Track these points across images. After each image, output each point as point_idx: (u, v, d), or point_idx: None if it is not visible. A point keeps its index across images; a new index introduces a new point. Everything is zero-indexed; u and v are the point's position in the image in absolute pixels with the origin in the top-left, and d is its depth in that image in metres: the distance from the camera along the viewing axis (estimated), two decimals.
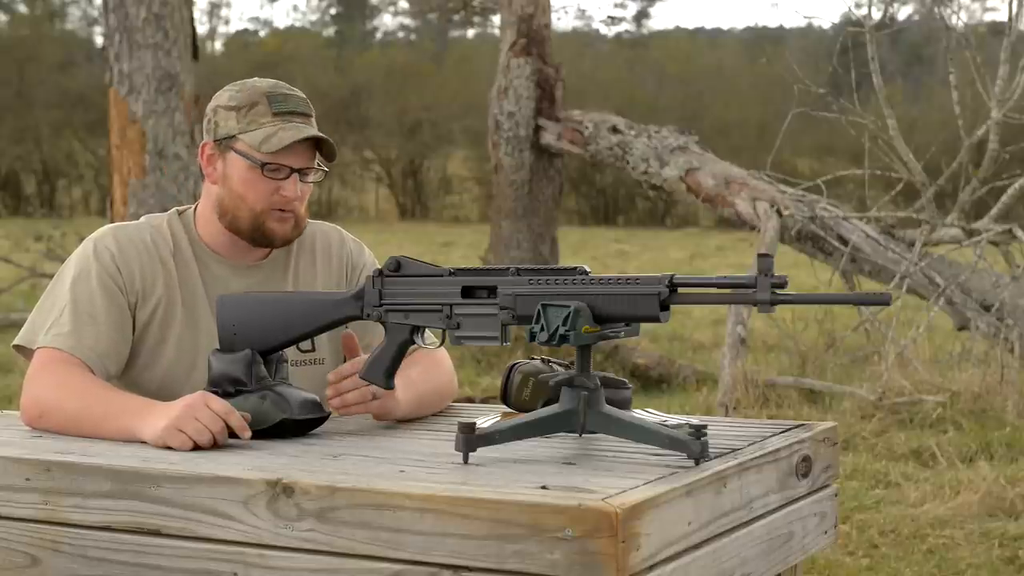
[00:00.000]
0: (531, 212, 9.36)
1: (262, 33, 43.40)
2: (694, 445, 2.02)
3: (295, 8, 78.63)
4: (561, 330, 2.05)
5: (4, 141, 28.19)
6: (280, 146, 2.47)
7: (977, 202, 7.91)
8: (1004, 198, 7.62)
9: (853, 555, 4.57)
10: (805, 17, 43.26)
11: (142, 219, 2.62)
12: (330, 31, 42.58)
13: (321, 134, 2.52)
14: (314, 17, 47.52)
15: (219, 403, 2.24)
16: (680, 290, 2.07)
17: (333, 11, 44.07)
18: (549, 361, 2.47)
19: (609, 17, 60.37)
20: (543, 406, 2.28)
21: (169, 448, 2.21)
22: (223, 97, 2.54)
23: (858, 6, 17.07)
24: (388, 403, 2.43)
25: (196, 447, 2.20)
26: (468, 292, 2.23)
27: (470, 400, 6.53)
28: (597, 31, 44.36)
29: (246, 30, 45.11)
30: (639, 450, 2.12)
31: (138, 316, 2.52)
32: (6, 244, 13.11)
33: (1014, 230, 7.49)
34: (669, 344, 9.65)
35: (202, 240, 2.59)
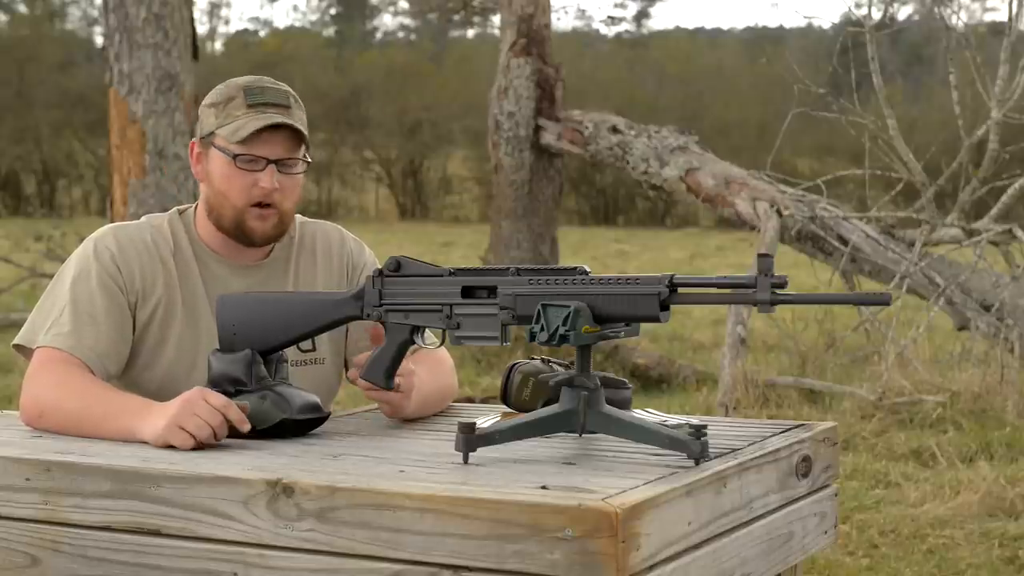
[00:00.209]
0: (531, 212, 9.36)
1: (262, 33, 43.44)
2: (694, 445, 2.02)
3: (295, 8, 78.68)
4: (561, 330, 2.05)
5: (4, 141, 28.20)
6: (246, 134, 2.46)
7: (977, 202, 7.91)
8: (1004, 198, 7.62)
9: (853, 555, 4.57)
10: (805, 17, 43.30)
11: (143, 219, 2.62)
12: (330, 31, 42.60)
13: (288, 121, 2.48)
14: (314, 17, 47.57)
15: (216, 397, 2.24)
16: (680, 290, 2.07)
17: (333, 11, 44.08)
18: (549, 361, 2.47)
19: (609, 17, 60.38)
20: (543, 406, 2.28)
21: (171, 447, 2.22)
22: (208, 96, 2.55)
23: (858, 6, 17.07)
24: (399, 402, 2.44)
25: (198, 444, 2.20)
26: (468, 292, 2.22)
27: (470, 400, 6.53)
28: (597, 31, 44.39)
29: (246, 30, 45.17)
30: (639, 450, 2.12)
31: (138, 316, 2.52)
32: (6, 244, 13.10)
33: (1014, 230, 7.49)
34: (669, 344, 9.65)
35: (202, 240, 2.59)
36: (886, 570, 4.43)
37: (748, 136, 22.92)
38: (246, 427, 2.24)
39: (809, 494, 2.30)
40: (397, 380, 2.40)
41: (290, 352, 2.44)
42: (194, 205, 2.64)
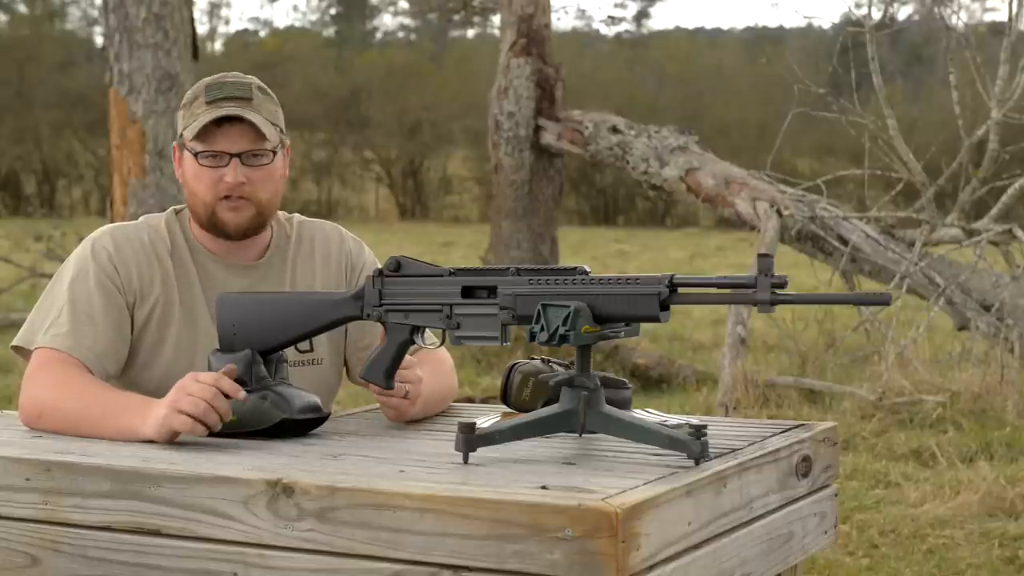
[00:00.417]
0: (531, 212, 9.36)
1: (262, 33, 43.44)
2: (694, 445, 2.02)
3: (295, 8, 78.68)
4: (561, 330, 2.05)
5: (4, 141, 28.20)
6: (195, 131, 2.46)
7: (977, 202, 7.91)
8: (1004, 198, 7.63)
9: (853, 555, 4.57)
10: (805, 17, 43.29)
11: (140, 219, 2.62)
12: (330, 31, 42.59)
13: (239, 112, 2.46)
14: (314, 17, 47.57)
15: (206, 374, 2.25)
16: (680, 290, 2.07)
17: (333, 11, 44.07)
18: (549, 361, 2.47)
19: (609, 17, 60.35)
20: (543, 406, 2.28)
21: (176, 436, 2.22)
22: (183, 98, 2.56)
23: (858, 6, 17.08)
24: (406, 408, 2.44)
25: (201, 425, 2.20)
26: (468, 292, 2.22)
27: (470, 400, 6.53)
28: (597, 31, 44.40)
29: (246, 30, 45.17)
30: (639, 450, 2.12)
31: (136, 316, 2.52)
32: (6, 244, 13.10)
33: (1014, 230, 7.49)
34: (669, 344, 9.65)
35: (197, 240, 2.59)
36: (886, 570, 4.43)
37: (748, 136, 22.93)
38: (241, 395, 2.24)
39: (809, 494, 2.30)
40: (406, 387, 2.40)
41: (288, 353, 2.44)
42: None
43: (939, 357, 7.48)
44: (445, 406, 2.64)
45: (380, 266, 2.33)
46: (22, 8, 33.02)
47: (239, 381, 2.29)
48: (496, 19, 11.38)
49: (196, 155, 2.49)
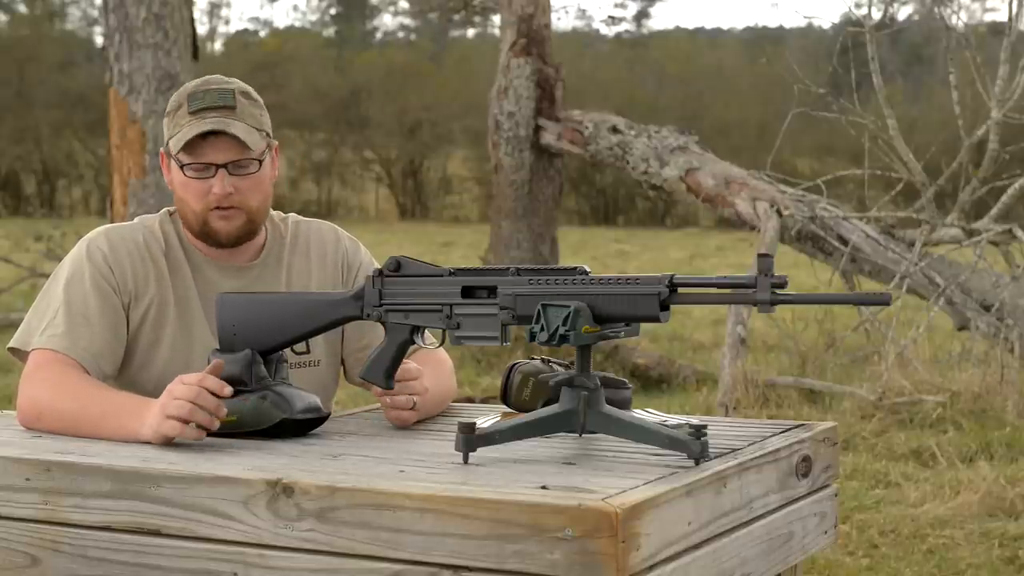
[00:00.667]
0: (531, 212, 9.36)
1: (262, 33, 43.44)
2: (694, 445, 2.02)
3: (295, 8, 78.68)
4: (561, 330, 2.05)
5: (4, 141, 28.20)
6: (180, 145, 2.46)
7: (977, 202, 7.91)
8: (1004, 198, 7.63)
9: (853, 555, 4.57)
10: (805, 17, 43.24)
11: (135, 220, 2.62)
12: (330, 31, 42.59)
13: (221, 128, 2.45)
14: (314, 17, 47.57)
15: (191, 375, 2.25)
16: (680, 290, 2.07)
17: (333, 11, 44.07)
18: (549, 361, 2.47)
19: (609, 17, 60.42)
20: (543, 406, 2.28)
21: (170, 440, 2.22)
22: (168, 104, 2.56)
23: (858, 6, 17.07)
24: (408, 417, 2.44)
25: (191, 425, 2.20)
26: (468, 292, 2.22)
27: (470, 400, 6.53)
28: (597, 31, 44.41)
29: (246, 30, 45.18)
30: (639, 450, 2.12)
31: (132, 316, 2.52)
32: (6, 244, 13.10)
33: (1014, 230, 7.49)
34: (669, 344, 9.65)
35: (191, 241, 2.59)
36: (886, 570, 4.43)
37: (748, 136, 22.93)
38: (227, 391, 2.24)
39: (809, 494, 2.30)
40: (414, 399, 2.40)
41: (285, 354, 2.43)
42: None
43: (939, 357, 7.48)
44: (444, 407, 2.63)
45: (378, 266, 2.34)
46: (22, 8, 33.05)
47: (238, 381, 2.29)
48: (496, 19, 11.38)
49: (183, 167, 2.49)
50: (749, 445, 2.21)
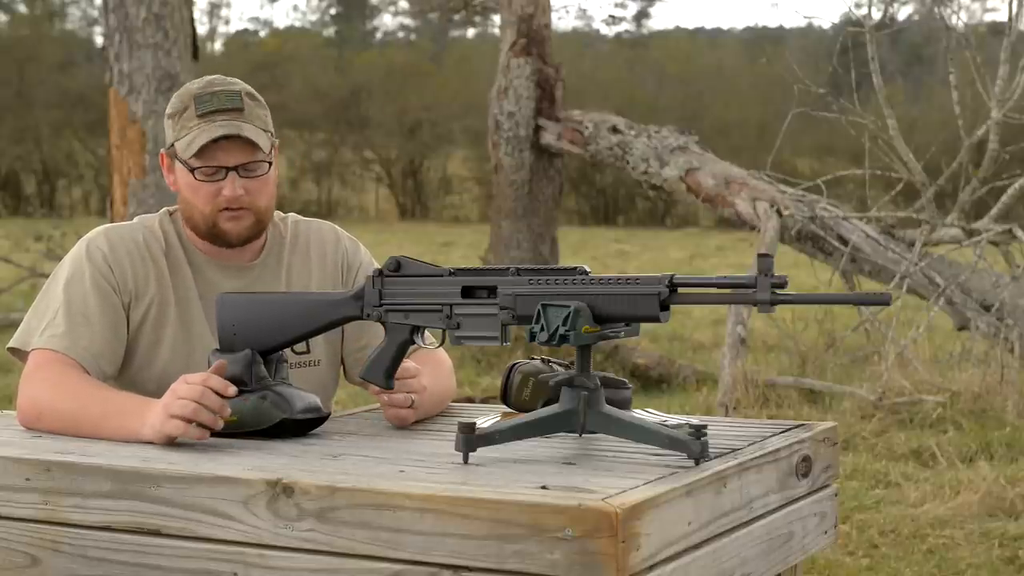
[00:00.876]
0: (531, 212, 9.36)
1: (262, 33, 43.44)
2: (694, 445, 2.02)
3: (295, 8, 78.67)
4: (561, 330, 2.05)
5: (4, 141, 28.21)
6: (194, 150, 2.45)
7: (977, 202, 7.91)
8: (1004, 198, 7.62)
9: (853, 555, 4.57)
10: (805, 17, 43.17)
11: (135, 219, 2.62)
12: (330, 31, 42.59)
13: (236, 132, 2.45)
14: (314, 17, 47.57)
15: (195, 375, 2.25)
16: (680, 290, 2.07)
17: (333, 11, 44.08)
18: (549, 361, 2.47)
19: (609, 17, 60.41)
20: (543, 406, 2.28)
21: (173, 439, 2.22)
22: (169, 105, 2.55)
23: (858, 6, 17.06)
24: (408, 417, 2.44)
25: (194, 425, 2.20)
26: (468, 292, 2.22)
27: (470, 400, 6.53)
28: (597, 31, 44.39)
29: (246, 30, 45.18)
30: (639, 450, 2.12)
31: (132, 315, 2.52)
32: (6, 244, 13.10)
33: (1014, 230, 7.49)
34: (669, 344, 9.65)
35: (191, 241, 2.58)
36: (886, 570, 4.43)
37: (748, 136, 22.93)
38: (231, 391, 2.24)
39: (809, 494, 2.30)
40: (412, 397, 2.40)
41: (284, 354, 2.43)
42: None
43: (939, 357, 7.48)
44: (443, 407, 2.63)
45: (378, 266, 2.34)
46: (22, 8, 33.05)
47: (238, 381, 2.29)
48: (496, 19, 11.38)
49: (193, 171, 2.48)
50: (749, 445, 2.21)
